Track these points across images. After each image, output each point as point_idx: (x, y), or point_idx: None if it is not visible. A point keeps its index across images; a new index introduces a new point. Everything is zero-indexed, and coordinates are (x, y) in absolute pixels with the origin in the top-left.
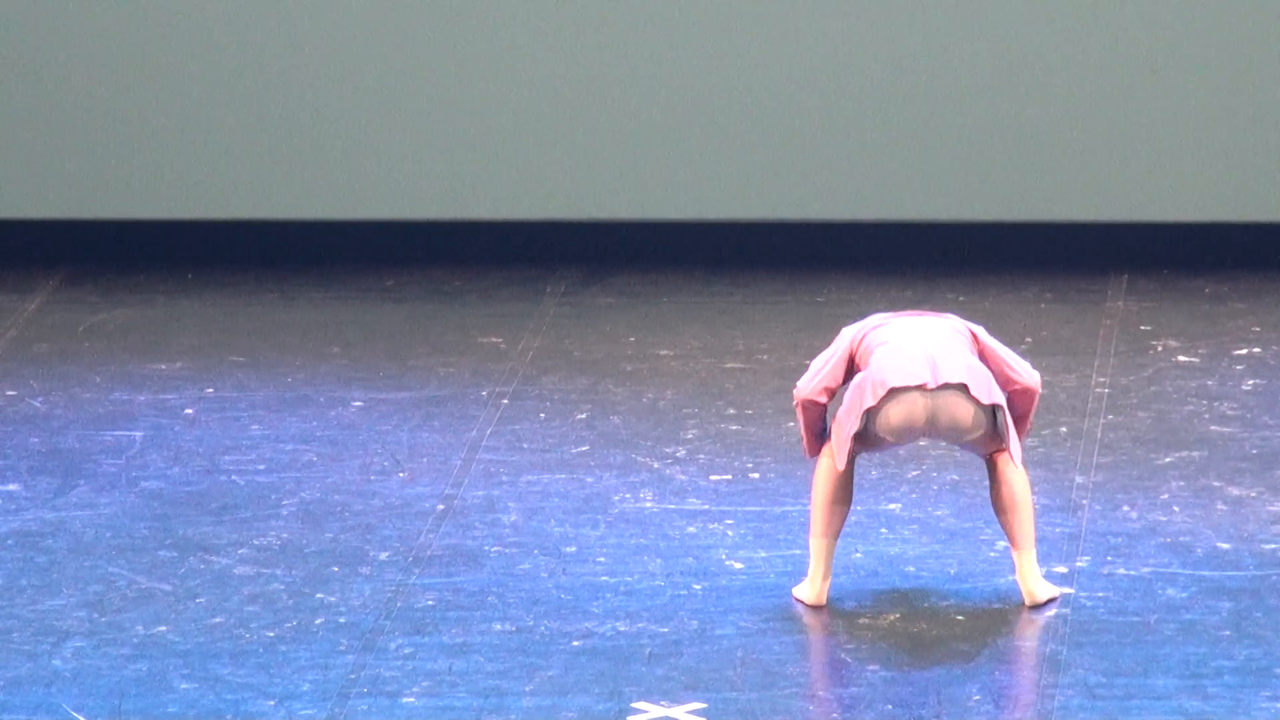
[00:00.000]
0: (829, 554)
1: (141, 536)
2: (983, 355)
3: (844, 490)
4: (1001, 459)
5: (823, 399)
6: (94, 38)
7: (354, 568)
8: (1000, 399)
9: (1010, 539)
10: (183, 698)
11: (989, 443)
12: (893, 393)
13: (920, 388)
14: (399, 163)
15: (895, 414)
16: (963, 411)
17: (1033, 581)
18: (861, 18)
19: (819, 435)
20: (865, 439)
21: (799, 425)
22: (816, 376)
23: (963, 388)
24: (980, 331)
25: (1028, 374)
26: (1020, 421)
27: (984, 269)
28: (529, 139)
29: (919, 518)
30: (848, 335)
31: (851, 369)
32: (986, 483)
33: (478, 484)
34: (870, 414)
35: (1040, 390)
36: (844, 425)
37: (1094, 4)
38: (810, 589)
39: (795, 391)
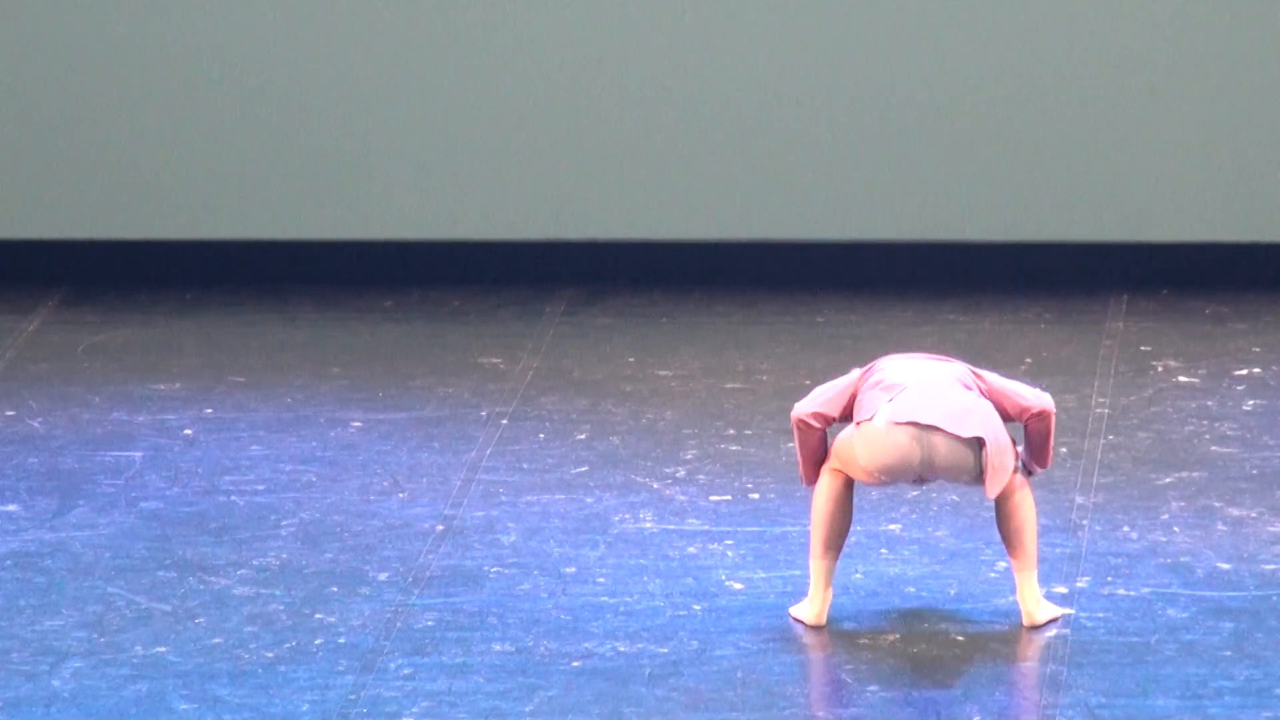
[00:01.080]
0: (829, 574)
1: (141, 557)
2: (990, 395)
3: (843, 510)
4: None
5: (816, 423)
6: (92, 58)
7: (353, 588)
8: (981, 430)
9: (1011, 559)
10: (182, 718)
11: (987, 479)
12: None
13: (906, 423)
14: (398, 183)
15: (883, 452)
16: (946, 448)
17: (1032, 603)
18: (860, 38)
19: (817, 463)
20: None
21: (796, 449)
22: (816, 400)
23: (933, 429)
24: (986, 374)
25: (1037, 397)
26: (1043, 445)
27: (983, 289)
28: (528, 159)
29: (919, 538)
30: (856, 372)
31: (852, 406)
32: (987, 502)
33: (477, 504)
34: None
35: (1054, 410)
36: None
37: (1093, 24)
38: (810, 609)
39: (793, 411)
